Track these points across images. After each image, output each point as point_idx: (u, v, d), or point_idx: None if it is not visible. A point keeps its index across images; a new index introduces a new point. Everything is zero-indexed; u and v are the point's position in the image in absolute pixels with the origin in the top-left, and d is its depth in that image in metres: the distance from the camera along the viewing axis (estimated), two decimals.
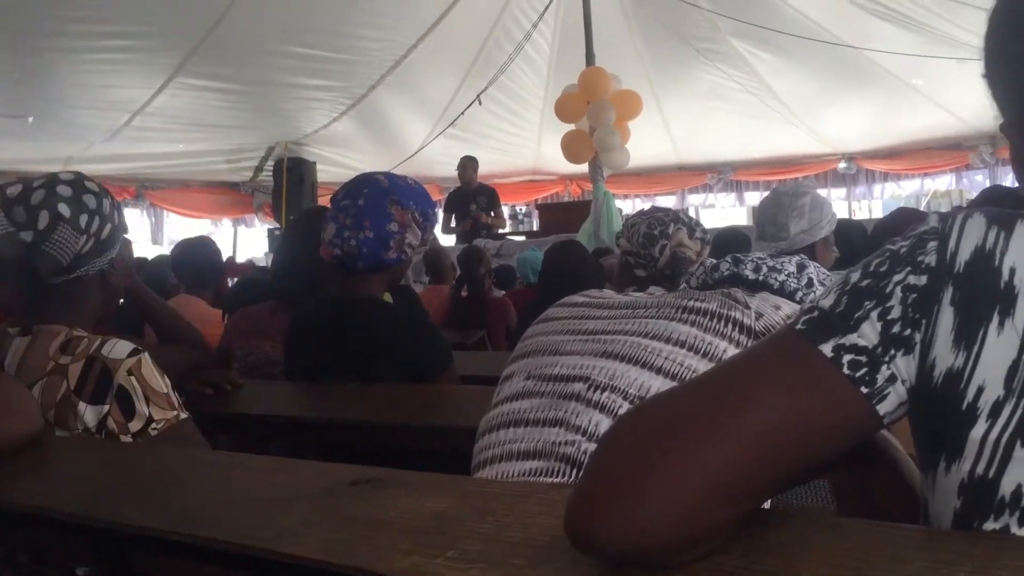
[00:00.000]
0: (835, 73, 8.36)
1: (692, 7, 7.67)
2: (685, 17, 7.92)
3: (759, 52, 8.37)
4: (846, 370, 0.64)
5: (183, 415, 1.49)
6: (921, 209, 10.25)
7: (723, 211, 11.97)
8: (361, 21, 7.26)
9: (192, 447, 1.48)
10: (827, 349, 0.65)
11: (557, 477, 1.07)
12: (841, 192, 10.72)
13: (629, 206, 11.59)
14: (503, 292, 5.78)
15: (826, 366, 0.64)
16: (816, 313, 0.68)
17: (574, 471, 1.07)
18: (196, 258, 3.49)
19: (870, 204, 11.56)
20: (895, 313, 0.65)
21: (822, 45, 7.60)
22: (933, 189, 10.54)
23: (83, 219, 1.46)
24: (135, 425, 1.43)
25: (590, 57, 7.35)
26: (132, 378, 1.44)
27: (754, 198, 11.13)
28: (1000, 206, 2.07)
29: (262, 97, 8.11)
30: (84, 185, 1.51)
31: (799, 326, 0.68)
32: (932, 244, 0.67)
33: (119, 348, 1.46)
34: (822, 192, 9.63)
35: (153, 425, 1.44)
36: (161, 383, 1.48)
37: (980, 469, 0.62)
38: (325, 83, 8.13)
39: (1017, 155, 0.76)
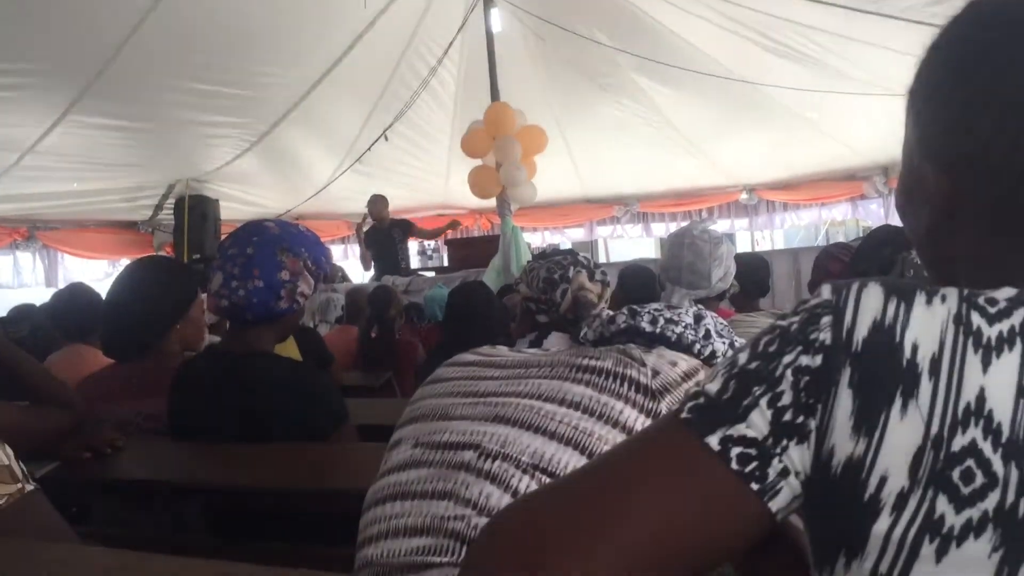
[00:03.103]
0: (733, 107, 8.53)
1: (593, 43, 7.76)
2: (587, 53, 8.00)
3: (659, 87, 8.49)
4: (734, 465, 0.59)
5: (29, 487, 1.33)
6: (818, 241, 10.57)
7: (631, 242, 12.13)
8: (260, 58, 7.08)
9: (40, 524, 1.34)
10: (714, 441, 0.60)
11: (445, 555, 1.00)
12: (744, 223, 10.98)
13: (539, 239, 11.66)
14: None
15: (712, 461, 0.59)
16: (702, 399, 0.63)
17: (463, 548, 1.00)
18: (72, 307, 3.31)
19: (772, 234, 11.89)
20: (786, 399, 0.59)
21: (720, 80, 7.77)
22: (831, 219, 10.87)
23: None
24: None
25: (495, 93, 7.36)
26: None
27: (660, 229, 11.32)
28: (892, 245, 2.07)
29: (161, 134, 7.83)
30: None
31: (684, 414, 0.63)
32: (826, 319, 0.60)
33: None
34: (726, 223, 9.81)
35: None
36: (1, 454, 1.34)
37: (884, 567, 0.56)
38: (226, 119, 7.90)
39: (923, 190, 0.72)
